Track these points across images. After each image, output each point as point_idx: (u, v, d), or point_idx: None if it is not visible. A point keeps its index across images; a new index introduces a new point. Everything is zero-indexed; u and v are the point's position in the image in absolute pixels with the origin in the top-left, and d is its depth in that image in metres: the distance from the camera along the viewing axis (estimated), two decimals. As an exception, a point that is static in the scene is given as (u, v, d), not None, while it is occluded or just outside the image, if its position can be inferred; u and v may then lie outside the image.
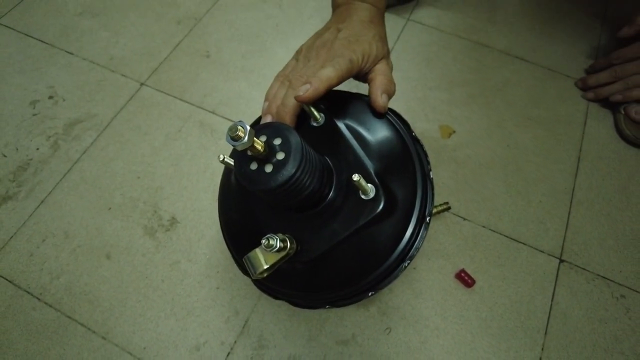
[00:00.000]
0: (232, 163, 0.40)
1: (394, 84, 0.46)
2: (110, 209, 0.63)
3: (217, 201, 0.50)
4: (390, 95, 0.45)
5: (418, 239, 0.42)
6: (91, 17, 0.83)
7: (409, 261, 0.42)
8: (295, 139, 0.36)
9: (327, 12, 0.83)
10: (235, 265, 0.59)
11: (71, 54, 0.78)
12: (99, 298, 0.57)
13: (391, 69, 0.49)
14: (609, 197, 0.64)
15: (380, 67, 0.46)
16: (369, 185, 0.40)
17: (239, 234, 0.48)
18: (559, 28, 0.83)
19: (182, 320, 0.56)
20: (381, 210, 0.41)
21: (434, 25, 0.83)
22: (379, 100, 0.44)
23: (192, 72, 0.77)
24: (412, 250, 0.42)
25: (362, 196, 0.41)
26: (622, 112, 0.70)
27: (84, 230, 0.61)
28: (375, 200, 0.41)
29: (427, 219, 0.43)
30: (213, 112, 0.72)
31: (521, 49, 0.80)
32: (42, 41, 0.80)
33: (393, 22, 0.83)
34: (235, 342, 0.54)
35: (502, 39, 0.82)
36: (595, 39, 0.82)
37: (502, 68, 0.78)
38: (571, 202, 0.64)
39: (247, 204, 0.47)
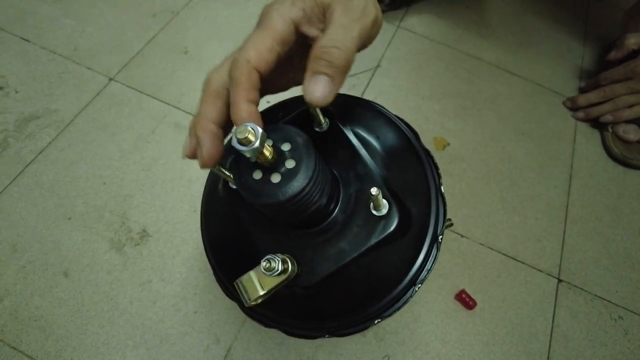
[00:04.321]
0: (225, 172, 0.35)
1: (335, 47, 0.27)
2: (70, 218, 0.55)
3: (200, 213, 0.44)
4: (328, 72, 0.27)
5: (430, 259, 0.38)
6: (53, 2, 0.74)
7: (419, 285, 0.38)
8: (307, 145, 0.31)
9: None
10: (215, 286, 0.52)
11: (27, 41, 0.69)
12: (53, 324, 0.49)
13: (354, 9, 0.29)
14: (601, 215, 0.64)
15: (326, 24, 0.29)
16: (383, 200, 0.36)
17: (226, 252, 0.42)
18: (544, 46, 0.83)
19: (153, 350, 0.48)
20: (395, 228, 0.36)
21: (424, 34, 0.81)
22: (306, 86, 0.27)
23: (168, 68, 0.70)
24: (423, 272, 0.38)
25: (374, 212, 0.37)
26: (610, 130, 0.70)
27: (37, 244, 0.53)
28: (388, 216, 0.36)
29: (439, 237, 0.39)
30: (191, 113, 0.66)
31: (510, 63, 0.80)
32: (-8, 25, 0.70)
33: (383, 29, 0.80)
34: (215, 374, 0.48)
35: (491, 52, 0.81)
36: (578, 58, 0.83)
37: (493, 81, 0.76)
38: (566, 220, 0.62)
39: (238, 217, 0.41)
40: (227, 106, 0.29)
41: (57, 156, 0.59)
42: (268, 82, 0.30)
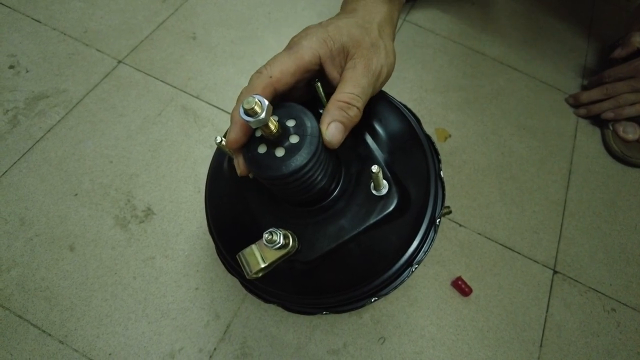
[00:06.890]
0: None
1: (356, 107, 0.33)
2: (76, 195, 0.56)
3: (204, 189, 0.45)
4: (345, 123, 0.32)
5: (427, 241, 0.39)
6: (64, -16, 0.75)
7: (416, 265, 0.39)
8: (312, 122, 0.32)
9: (321, 5, 0.80)
10: (216, 264, 0.53)
11: (38, 21, 0.70)
12: (58, 295, 0.50)
13: (372, 72, 0.35)
14: (599, 210, 0.65)
15: (348, 74, 0.34)
16: (383, 180, 0.37)
17: (229, 229, 0.43)
18: (548, 44, 0.84)
19: (155, 324, 0.49)
20: (394, 208, 0.37)
21: (430, 28, 0.82)
22: (324, 133, 0.32)
23: (176, 53, 0.71)
24: (420, 253, 0.39)
25: (374, 192, 0.38)
26: (611, 128, 0.71)
27: (44, 217, 0.54)
28: (388, 196, 0.38)
29: (437, 220, 0.40)
30: (197, 97, 0.67)
31: (514, 59, 0.80)
32: (3, 4, 0.71)
33: (389, 21, 0.81)
34: (215, 349, 0.49)
35: (495, 48, 0.81)
36: (582, 57, 0.83)
37: (497, 76, 0.77)
38: (563, 214, 0.63)
39: (241, 193, 0.42)
40: None
41: (65, 134, 0.60)
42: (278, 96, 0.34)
